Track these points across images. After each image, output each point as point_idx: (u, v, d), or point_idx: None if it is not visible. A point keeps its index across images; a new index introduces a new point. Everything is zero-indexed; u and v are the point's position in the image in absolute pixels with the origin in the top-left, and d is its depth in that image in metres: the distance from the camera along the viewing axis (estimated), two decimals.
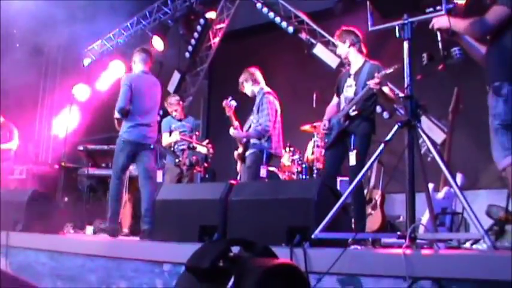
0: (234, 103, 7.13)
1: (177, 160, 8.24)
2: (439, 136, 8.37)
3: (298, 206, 4.29)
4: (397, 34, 4.21)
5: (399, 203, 8.52)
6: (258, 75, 7.22)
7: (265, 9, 10.52)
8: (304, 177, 8.51)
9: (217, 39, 12.05)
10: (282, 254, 3.43)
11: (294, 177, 8.47)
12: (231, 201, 4.74)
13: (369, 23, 4.44)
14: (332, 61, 9.47)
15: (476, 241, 4.44)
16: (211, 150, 8.24)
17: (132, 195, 8.55)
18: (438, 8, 4.11)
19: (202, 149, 8.21)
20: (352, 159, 5.58)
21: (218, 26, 12.01)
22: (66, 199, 9.55)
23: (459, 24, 4.32)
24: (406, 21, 4.15)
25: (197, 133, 8.61)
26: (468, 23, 4.32)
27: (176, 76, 12.15)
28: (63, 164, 9.20)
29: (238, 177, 7.33)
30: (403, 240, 3.61)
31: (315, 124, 8.34)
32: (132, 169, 7.46)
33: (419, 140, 4.17)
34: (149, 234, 6.22)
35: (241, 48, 12.08)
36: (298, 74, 10.67)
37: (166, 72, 12.18)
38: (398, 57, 4.43)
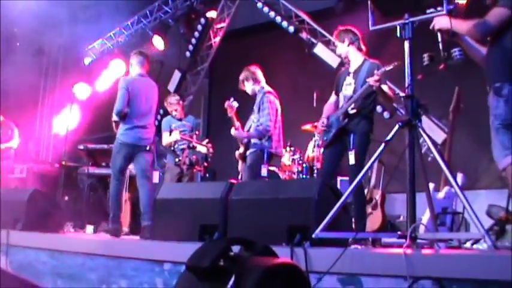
0: (235, 104, 7.14)
1: (177, 159, 8.25)
2: (440, 136, 8.37)
3: (298, 206, 4.29)
4: (398, 34, 4.21)
5: (399, 203, 8.53)
6: (259, 74, 7.21)
7: (265, 9, 10.51)
8: (304, 176, 8.51)
9: (217, 39, 12.04)
10: (283, 254, 3.43)
11: (295, 176, 8.47)
12: (231, 200, 4.74)
13: (370, 23, 4.44)
14: (333, 60, 9.47)
15: (476, 241, 4.44)
16: (211, 150, 8.24)
17: (131, 194, 8.57)
18: (439, 8, 4.11)
19: (202, 149, 8.21)
20: (352, 159, 5.58)
21: (219, 25, 12.01)
22: (66, 198, 9.56)
23: (460, 26, 4.33)
24: (407, 21, 4.15)
25: (197, 132, 8.62)
26: (469, 25, 4.33)
27: (177, 75, 12.15)
28: (63, 163, 9.20)
29: (239, 177, 7.33)
30: (404, 240, 3.60)
31: (315, 124, 8.33)
32: (132, 168, 7.48)
33: (420, 140, 4.17)
34: (149, 230, 6.24)
35: (242, 48, 12.08)
36: (298, 74, 10.66)
37: (167, 71, 12.19)
38: (399, 57, 4.44)
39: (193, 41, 11.94)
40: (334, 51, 9.01)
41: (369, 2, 4.43)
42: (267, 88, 7.16)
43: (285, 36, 10.47)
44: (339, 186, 7.61)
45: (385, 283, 3.29)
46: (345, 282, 3.48)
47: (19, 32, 12.02)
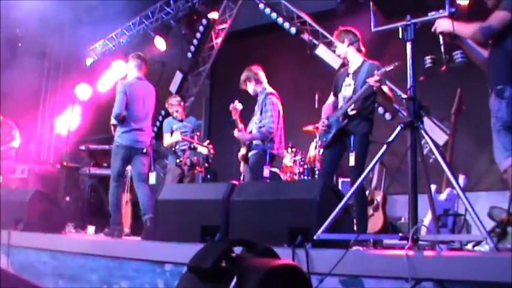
0: (240, 106, 7.15)
1: (178, 160, 8.26)
2: (441, 137, 8.37)
3: (300, 207, 4.28)
4: (400, 35, 4.20)
5: (401, 204, 8.52)
6: (261, 74, 7.21)
7: (267, 10, 10.51)
8: (305, 178, 8.51)
9: (219, 40, 12.04)
10: (284, 255, 3.43)
11: (296, 177, 8.46)
12: (233, 201, 4.74)
13: (372, 24, 4.44)
14: (334, 62, 9.46)
15: (478, 243, 4.44)
16: (211, 151, 8.25)
17: (132, 195, 8.57)
18: (441, 11, 4.12)
19: (203, 150, 8.22)
20: (352, 160, 5.57)
21: (220, 27, 12.00)
22: (67, 198, 9.56)
23: (462, 28, 4.33)
24: (409, 22, 4.15)
25: (198, 133, 8.62)
26: (471, 27, 4.34)
27: (178, 76, 12.16)
28: (65, 163, 9.21)
29: (242, 178, 7.34)
30: (405, 242, 3.60)
31: (317, 125, 8.33)
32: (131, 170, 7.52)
33: (422, 141, 4.17)
34: (151, 222, 6.43)
35: (244, 49, 12.07)
36: (300, 75, 10.66)
37: (169, 72, 12.21)
38: (400, 58, 4.44)
39: (195, 42, 11.94)
40: (335, 52, 9.04)
41: (371, 4, 4.43)
42: (269, 89, 7.16)
43: (287, 37, 10.47)
44: (340, 187, 7.61)
45: (387, 285, 3.29)
46: (347, 284, 3.48)
47: (21, 33, 12.03)
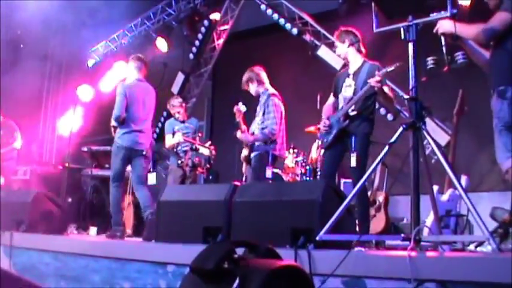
0: (243, 108, 7.17)
1: (179, 161, 8.27)
2: (443, 138, 8.35)
3: (302, 208, 4.29)
4: (402, 36, 4.20)
5: (403, 205, 8.50)
6: (263, 75, 7.22)
7: (269, 11, 10.49)
8: (307, 178, 8.50)
9: (221, 41, 12.03)
10: (286, 256, 3.43)
11: (298, 178, 8.46)
12: (235, 202, 4.74)
13: (374, 25, 4.44)
14: (336, 62, 9.44)
15: (480, 243, 4.43)
16: (213, 152, 8.25)
17: (134, 197, 8.57)
18: (443, 12, 4.12)
19: (204, 151, 8.23)
20: (353, 161, 5.57)
21: (222, 28, 11.99)
22: (69, 200, 9.56)
23: (464, 30, 4.34)
24: (411, 23, 4.15)
25: (200, 134, 8.62)
26: (473, 29, 4.34)
27: (180, 77, 12.15)
28: (67, 164, 9.21)
29: (244, 179, 7.34)
30: (408, 243, 3.60)
31: (318, 126, 8.33)
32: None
33: (424, 142, 4.16)
34: (152, 216, 6.48)
35: (245, 50, 12.07)
36: (302, 76, 10.66)
37: (170, 73, 12.20)
38: (402, 59, 4.44)
39: (197, 43, 11.92)
40: (336, 52, 9.04)
41: (372, 4, 4.43)
42: (272, 90, 7.17)
43: (288, 38, 10.46)
44: (342, 188, 7.61)
45: (389, 286, 3.29)
46: (349, 285, 3.48)
47: (23, 35, 12.03)
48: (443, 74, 4.67)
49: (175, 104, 8.73)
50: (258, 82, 7.17)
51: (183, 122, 8.69)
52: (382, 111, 9.13)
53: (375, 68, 5.72)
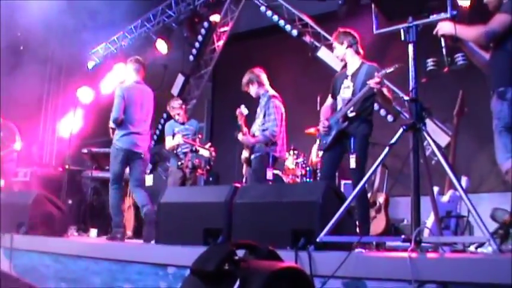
0: (245, 111, 7.19)
1: (179, 163, 8.27)
2: (444, 139, 8.36)
3: (302, 209, 4.28)
4: (402, 37, 4.20)
5: (403, 206, 8.50)
6: (263, 77, 7.24)
7: (269, 12, 10.50)
8: (308, 180, 8.50)
9: (221, 42, 12.04)
10: (287, 257, 3.43)
11: (298, 180, 8.46)
12: (235, 204, 4.74)
13: (374, 26, 4.44)
14: (336, 64, 9.43)
15: (481, 244, 4.43)
16: (213, 153, 8.26)
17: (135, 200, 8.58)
18: (442, 14, 4.12)
19: (204, 152, 8.23)
20: (353, 162, 5.57)
21: (222, 29, 12.00)
22: (70, 201, 9.56)
23: (464, 31, 4.35)
24: (411, 24, 4.14)
25: (200, 136, 8.63)
26: (473, 31, 4.35)
27: (180, 79, 12.16)
28: (67, 166, 9.21)
29: (244, 180, 7.34)
30: (408, 244, 3.60)
31: (318, 127, 8.34)
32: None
33: (424, 143, 4.16)
34: (149, 211, 6.70)
35: (245, 51, 12.07)
36: (302, 77, 10.67)
37: (171, 75, 12.21)
38: (401, 60, 4.44)
39: (197, 44, 11.93)
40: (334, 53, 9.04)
41: (372, 6, 4.43)
42: (272, 92, 7.18)
43: (288, 39, 10.47)
44: (342, 189, 7.61)
45: (390, 287, 3.29)
46: (350, 286, 3.47)
47: (23, 36, 12.04)
48: (443, 75, 4.68)
49: (175, 106, 8.74)
50: (259, 84, 7.19)
51: (183, 123, 8.70)
52: (383, 112, 9.14)
53: (373, 69, 5.73)
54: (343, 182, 8.08)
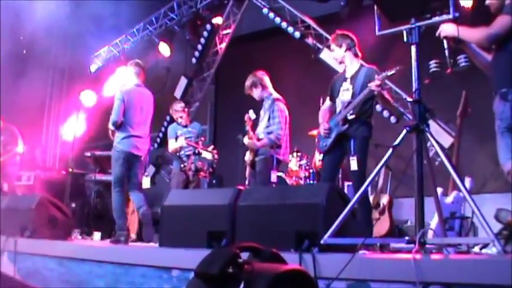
0: (253, 116, 7.21)
1: (182, 166, 8.28)
2: (447, 140, 8.35)
3: (306, 211, 4.28)
4: (405, 38, 4.19)
5: (407, 208, 8.50)
6: (267, 80, 7.25)
7: (271, 14, 10.50)
8: (311, 182, 8.50)
9: (223, 45, 12.05)
10: (291, 260, 3.43)
11: (301, 182, 8.46)
12: (239, 206, 4.73)
13: (376, 28, 4.44)
14: (339, 66, 9.45)
15: (485, 245, 4.43)
16: (216, 156, 8.26)
17: None
18: (444, 16, 4.11)
19: (207, 155, 8.23)
20: (354, 164, 5.57)
21: (224, 32, 12.01)
22: (73, 205, 9.57)
23: (466, 33, 4.35)
24: (413, 26, 4.14)
25: (202, 138, 8.63)
26: (476, 33, 4.36)
27: (183, 82, 12.16)
28: (70, 169, 9.22)
29: (247, 182, 7.35)
30: (412, 245, 3.59)
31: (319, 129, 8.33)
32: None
33: (427, 144, 4.16)
34: (147, 211, 6.93)
35: (248, 53, 12.08)
36: (304, 79, 10.66)
37: (173, 77, 12.22)
38: (405, 62, 4.43)
39: (199, 47, 11.93)
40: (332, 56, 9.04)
41: (375, 7, 4.43)
42: (276, 95, 7.20)
43: (291, 41, 10.47)
44: (346, 191, 7.60)
45: None
46: None
47: (25, 40, 12.06)
48: (446, 76, 4.68)
49: (178, 109, 8.75)
50: (262, 87, 7.20)
51: (185, 126, 8.71)
52: (386, 113, 9.13)
53: (372, 71, 5.74)
54: (346, 183, 8.08)
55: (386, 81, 8.25)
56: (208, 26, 11.78)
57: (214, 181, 9.89)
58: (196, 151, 8.16)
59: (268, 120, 7.04)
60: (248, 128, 7.16)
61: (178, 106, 8.83)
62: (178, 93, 12.04)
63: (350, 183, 7.80)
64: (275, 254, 2.83)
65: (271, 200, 4.66)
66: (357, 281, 3.47)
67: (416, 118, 4.02)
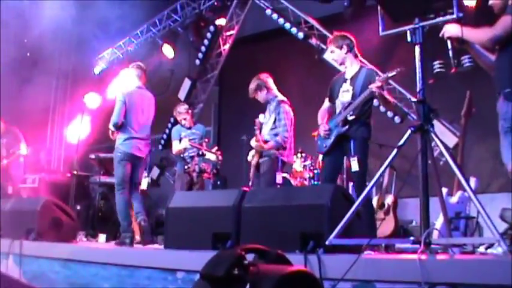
0: (263, 121, 7.19)
1: (186, 167, 8.29)
2: (451, 140, 8.34)
3: (311, 212, 4.27)
4: (409, 38, 4.19)
5: (412, 208, 8.49)
6: (271, 82, 7.26)
7: (274, 15, 10.51)
8: (316, 183, 8.49)
9: (227, 46, 12.04)
10: (296, 261, 3.42)
11: (306, 183, 8.45)
12: (244, 208, 4.73)
13: (380, 28, 4.43)
14: (340, 66, 9.45)
15: (490, 245, 4.42)
16: (220, 157, 8.27)
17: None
18: (448, 17, 4.11)
19: (211, 156, 8.24)
20: (355, 165, 5.56)
21: (228, 33, 12.01)
22: (78, 207, 9.59)
23: (470, 34, 4.34)
24: (417, 26, 4.13)
25: (206, 140, 8.64)
26: (480, 34, 4.36)
27: (187, 83, 12.17)
28: (75, 172, 9.23)
29: (250, 184, 7.34)
30: (417, 246, 3.58)
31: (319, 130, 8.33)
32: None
33: (432, 144, 4.15)
34: (145, 223, 6.91)
35: (251, 54, 12.08)
36: (308, 79, 10.65)
37: (177, 79, 12.24)
38: (408, 62, 4.43)
39: (203, 48, 11.94)
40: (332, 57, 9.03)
41: (378, 8, 4.42)
42: (281, 97, 7.20)
43: (294, 42, 10.47)
44: (350, 191, 7.60)
45: None
46: None
47: (29, 43, 12.08)
48: (450, 76, 4.68)
49: (181, 111, 8.78)
50: (267, 89, 7.21)
51: (189, 128, 8.73)
52: (390, 113, 9.12)
53: (372, 72, 5.75)
54: (351, 184, 8.07)
55: (390, 81, 8.27)
56: (211, 28, 11.78)
57: (218, 182, 9.88)
58: (200, 152, 8.17)
59: (274, 123, 7.05)
60: (257, 132, 7.16)
61: (182, 108, 8.86)
62: (182, 94, 12.05)
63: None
64: (280, 255, 2.83)
65: (276, 201, 4.65)
66: (362, 281, 3.46)
67: (421, 118, 4.01)
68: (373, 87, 5.43)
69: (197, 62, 12.11)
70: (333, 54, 6.17)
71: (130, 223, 7.03)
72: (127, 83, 7.61)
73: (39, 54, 12.34)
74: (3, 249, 6.14)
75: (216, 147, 8.59)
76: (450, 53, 4.38)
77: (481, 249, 4.57)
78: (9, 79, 10.79)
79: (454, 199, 5.72)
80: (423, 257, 3.31)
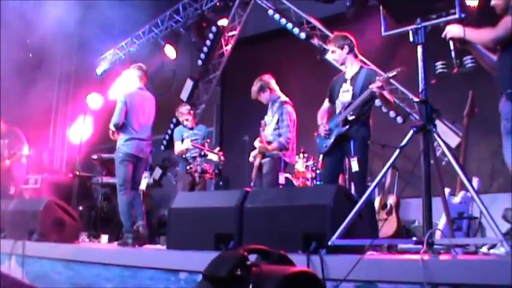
0: (269, 122, 7.20)
1: (188, 167, 8.29)
2: (454, 140, 8.33)
3: (314, 213, 4.27)
4: (411, 38, 4.19)
5: (414, 208, 8.49)
6: (273, 82, 7.26)
7: (276, 16, 10.51)
8: (318, 183, 8.49)
9: (229, 46, 12.04)
10: (299, 261, 3.43)
11: (308, 183, 8.45)
12: (246, 208, 4.73)
13: (382, 28, 4.43)
14: (341, 66, 9.44)
15: (493, 245, 4.42)
16: (222, 158, 8.27)
17: (145, 205, 8.59)
18: (450, 17, 4.11)
19: (213, 156, 8.24)
20: (355, 165, 5.56)
21: (230, 33, 12.01)
22: (80, 208, 9.59)
23: (472, 34, 4.34)
24: (419, 26, 4.13)
25: (208, 140, 8.64)
26: (483, 35, 4.35)
27: (189, 84, 12.17)
28: (77, 172, 9.24)
29: (252, 184, 7.34)
30: (420, 246, 3.58)
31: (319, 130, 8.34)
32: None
33: (434, 144, 4.15)
34: (143, 229, 6.88)
35: (254, 55, 12.08)
36: (310, 80, 10.64)
37: (179, 80, 12.24)
38: (410, 62, 4.42)
39: (205, 49, 11.94)
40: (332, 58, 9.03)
41: (381, 8, 4.42)
42: (283, 98, 7.20)
43: (296, 42, 10.47)
44: (353, 192, 7.59)
45: None
46: None
47: (31, 44, 12.10)
48: (452, 76, 4.67)
49: (184, 112, 8.79)
50: (270, 90, 7.22)
51: (191, 129, 8.73)
52: (392, 113, 9.11)
53: (372, 72, 5.74)
54: (353, 184, 8.07)
55: (393, 82, 8.26)
56: (213, 28, 11.80)
57: (220, 183, 9.89)
58: (202, 153, 8.17)
59: (277, 123, 7.05)
60: (262, 133, 7.16)
61: (184, 109, 8.86)
62: (184, 95, 12.05)
63: None
64: (283, 255, 2.83)
65: (279, 201, 4.65)
66: (365, 282, 3.46)
67: (423, 118, 4.01)
68: (374, 87, 5.43)
69: (199, 62, 12.12)
70: (334, 55, 6.15)
71: (133, 224, 7.04)
72: (128, 84, 7.62)
73: (41, 55, 12.36)
74: (5, 249, 6.15)
75: (218, 148, 8.58)
76: (452, 53, 4.38)
77: (484, 249, 4.56)
78: (12, 80, 10.80)
79: (456, 199, 5.72)
80: (426, 257, 3.30)
